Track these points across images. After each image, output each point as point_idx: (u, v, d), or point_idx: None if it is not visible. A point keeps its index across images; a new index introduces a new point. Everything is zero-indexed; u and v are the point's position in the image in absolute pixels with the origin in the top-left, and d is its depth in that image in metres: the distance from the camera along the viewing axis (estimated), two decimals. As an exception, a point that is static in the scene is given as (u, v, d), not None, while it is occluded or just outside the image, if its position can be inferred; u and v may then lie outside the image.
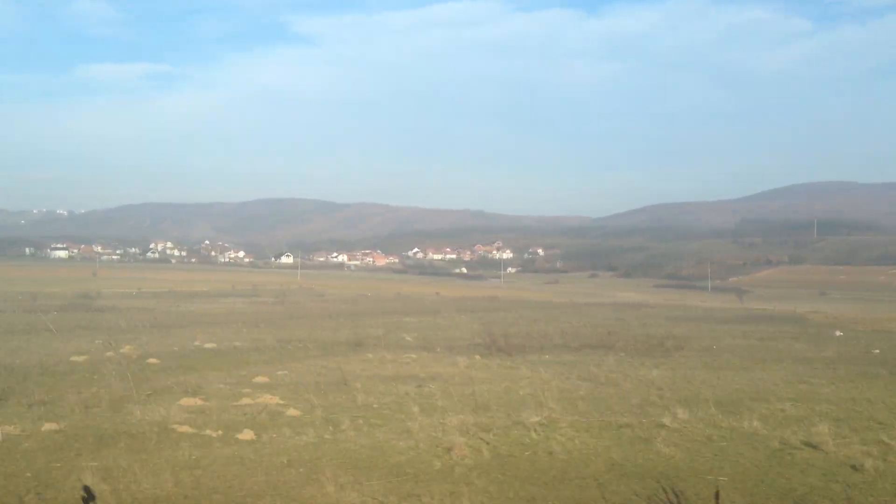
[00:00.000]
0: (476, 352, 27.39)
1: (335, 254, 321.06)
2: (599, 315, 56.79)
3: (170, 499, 9.19)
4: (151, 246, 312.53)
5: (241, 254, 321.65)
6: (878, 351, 29.84)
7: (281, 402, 16.45)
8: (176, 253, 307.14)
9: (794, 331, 41.34)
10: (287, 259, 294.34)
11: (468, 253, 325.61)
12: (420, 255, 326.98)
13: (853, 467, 10.71)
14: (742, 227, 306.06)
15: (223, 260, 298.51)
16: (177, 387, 18.67)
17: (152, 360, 23.85)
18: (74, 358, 24.00)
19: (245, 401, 16.55)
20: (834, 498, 9.31)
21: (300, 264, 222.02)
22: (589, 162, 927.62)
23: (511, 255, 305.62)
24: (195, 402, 16.45)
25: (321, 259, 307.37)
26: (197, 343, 30.03)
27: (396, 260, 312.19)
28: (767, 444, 12.07)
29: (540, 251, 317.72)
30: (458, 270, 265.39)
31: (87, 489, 7.88)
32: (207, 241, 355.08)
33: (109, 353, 26.04)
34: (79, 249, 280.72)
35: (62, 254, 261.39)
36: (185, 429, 13.11)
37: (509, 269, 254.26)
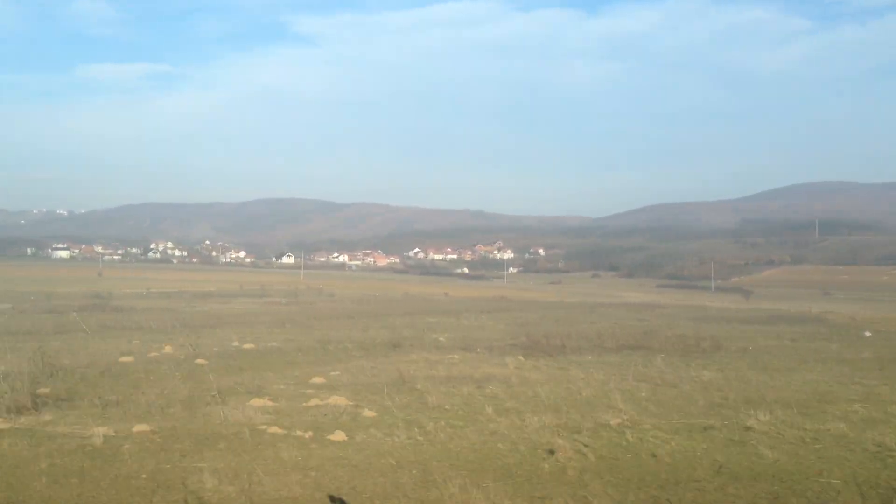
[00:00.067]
0: (517, 352, 27.40)
1: (336, 254, 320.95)
2: (617, 315, 56.85)
3: (298, 500, 9.23)
4: (152, 246, 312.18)
5: (242, 254, 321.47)
6: (913, 351, 29.94)
7: (350, 403, 16.48)
8: (177, 253, 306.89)
9: (820, 331, 41.43)
10: (288, 259, 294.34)
11: (469, 253, 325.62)
12: (421, 255, 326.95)
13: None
14: (743, 227, 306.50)
15: (224, 260, 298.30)
16: (239, 387, 18.70)
17: (200, 361, 23.86)
18: (123, 359, 24.02)
19: (314, 402, 16.57)
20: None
21: (303, 264, 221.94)
22: (589, 162, 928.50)
23: (512, 255, 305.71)
24: (265, 402, 16.48)
25: (322, 259, 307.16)
26: (235, 344, 30.04)
27: (397, 260, 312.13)
28: (863, 447, 12.12)
29: (541, 251, 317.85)
30: (459, 270, 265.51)
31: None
32: (208, 242, 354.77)
33: (153, 354, 26.07)
34: (80, 249, 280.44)
35: (63, 254, 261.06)
36: (275, 430, 13.14)
37: (511, 270, 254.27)
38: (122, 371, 21.74)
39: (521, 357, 25.69)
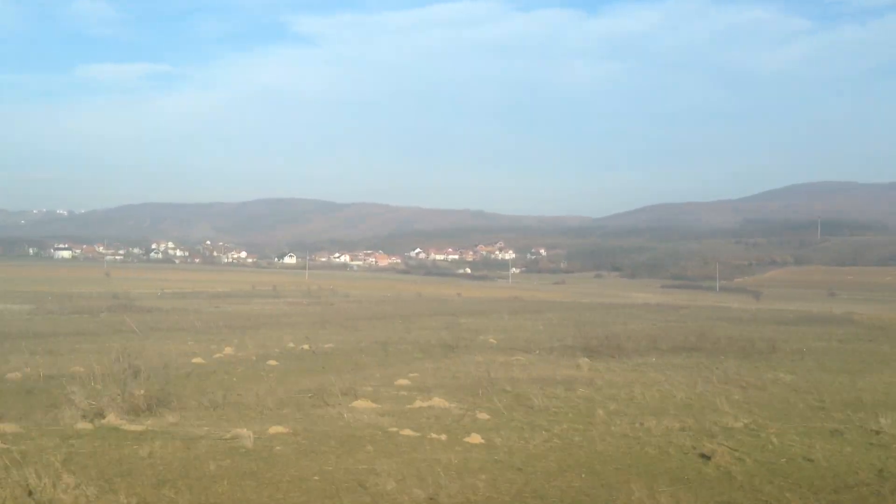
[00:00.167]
0: (577, 354, 27.44)
1: (337, 254, 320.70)
2: (642, 316, 56.97)
3: (492, 502, 9.25)
4: (153, 246, 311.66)
5: (243, 254, 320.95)
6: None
7: (453, 405, 16.49)
8: (178, 253, 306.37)
9: (859, 333, 41.56)
10: (290, 259, 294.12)
11: (470, 253, 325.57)
12: (422, 255, 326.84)
13: None
14: (744, 228, 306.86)
15: (226, 260, 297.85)
16: (329, 389, 18.69)
17: (272, 362, 23.89)
18: (195, 360, 24.03)
19: (418, 404, 16.58)
20: None
21: (307, 265, 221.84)
22: (589, 162, 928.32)
23: (513, 255, 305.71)
24: (369, 404, 16.47)
25: (323, 259, 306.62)
26: (290, 345, 30.07)
27: (399, 260, 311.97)
28: None
29: (542, 251, 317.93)
30: (461, 271, 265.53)
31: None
32: (208, 242, 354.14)
33: (218, 356, 26.07)
34: (81, 249, 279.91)
35: (66, 254, 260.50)
36: (408, 432, 13.13)
37: (513, 270, 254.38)
38: (202, 372, 21.75)
39: (585, 359, 25.69)
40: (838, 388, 19.59)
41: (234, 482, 9.88)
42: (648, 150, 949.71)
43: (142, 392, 17.23)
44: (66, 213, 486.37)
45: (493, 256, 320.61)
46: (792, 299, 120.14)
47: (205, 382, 19.67)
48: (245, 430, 12.89)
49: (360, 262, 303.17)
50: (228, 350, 27.48)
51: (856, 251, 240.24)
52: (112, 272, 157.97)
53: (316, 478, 10.22)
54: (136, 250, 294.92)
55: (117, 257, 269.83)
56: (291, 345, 29.91)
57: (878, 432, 13.36)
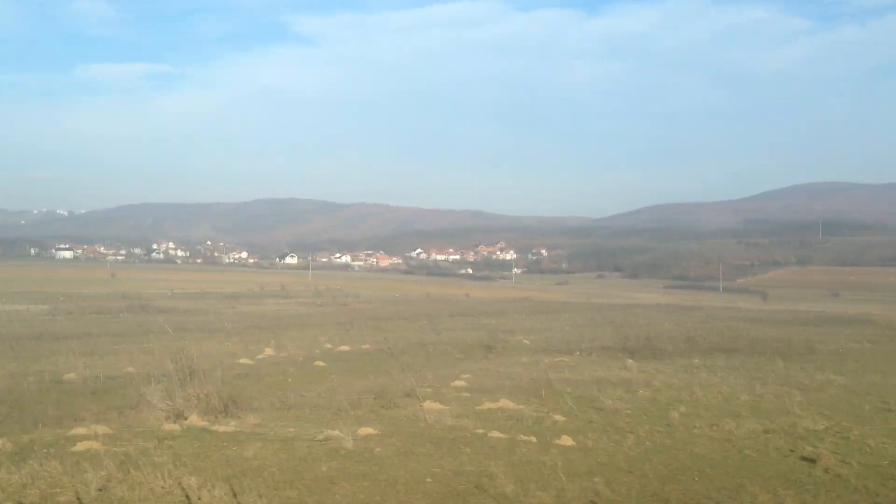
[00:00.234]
0: (618, 355, 27.48)
1: (338, 254, 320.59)
2: (660, 317, 57.00)
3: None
4: (154, 246, 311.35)
5: (244, 254, 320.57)
6: None
7: (522, 406, 16.51)
8: (179, 253, 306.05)
9: (886, 334, 41.64)
10: (291, 260, 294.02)
11: (471, 253, 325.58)
12: (423, 255, 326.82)
13: None
14: (745, 228, 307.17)
15: (227, 260, 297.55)
16: (391, 388, 18.74)
17: (319, 363, 23.91)
18: (242, 360, 24.05)
19: (487, 405, 16.59)
20: None
21: (310, 265, 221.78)
22: (589, 162, 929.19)
23: (514, 255, 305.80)
24: (438, 406, 16.48)
25: (324, 259, 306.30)
26: (328, 346, 30.09)
27: (400, 261, 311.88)
28: None
29: (543, 252, 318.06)
30: (463, 271, 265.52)
31: None
32: (209, 242, 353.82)
33: (261, 356, 26.09)
34: (82, 250, 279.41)
35: (67, 254, 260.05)
36: (496, 434, 13.15)
37: (514, 270, 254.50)
38: (253, 373, 21.77)
39: (630, 360, 25.71)
40: (893, 390, 19.65)
41: (352, 484, 9.90)
42: (648, 150, 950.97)
43: (216, 393, 17.21)
44: (66, 213, 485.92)
45: (494, 257, 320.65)
46: (798, 300, 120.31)
47: (262, 383, 19.69)
48: (337, 431, 12.93)
49: (361, 263, 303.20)
50: (269, 351, 27.49)
51: (857, 251, 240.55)
52: (116, 272, 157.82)
53: (429, 480, 10.24)
54: (137, 250, 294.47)
55: (119, 257, 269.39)
56: (329, 346, 29.93)
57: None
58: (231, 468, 10.49)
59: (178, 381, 19.38)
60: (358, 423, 13.88)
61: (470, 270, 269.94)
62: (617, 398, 17.68)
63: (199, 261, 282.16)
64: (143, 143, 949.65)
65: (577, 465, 11.07)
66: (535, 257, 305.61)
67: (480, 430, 13.48)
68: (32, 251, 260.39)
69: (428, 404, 16.70)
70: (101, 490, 9.33)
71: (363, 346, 29.87)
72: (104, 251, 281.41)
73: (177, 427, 13.61)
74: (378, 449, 11.86)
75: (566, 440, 12.78)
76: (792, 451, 12.04)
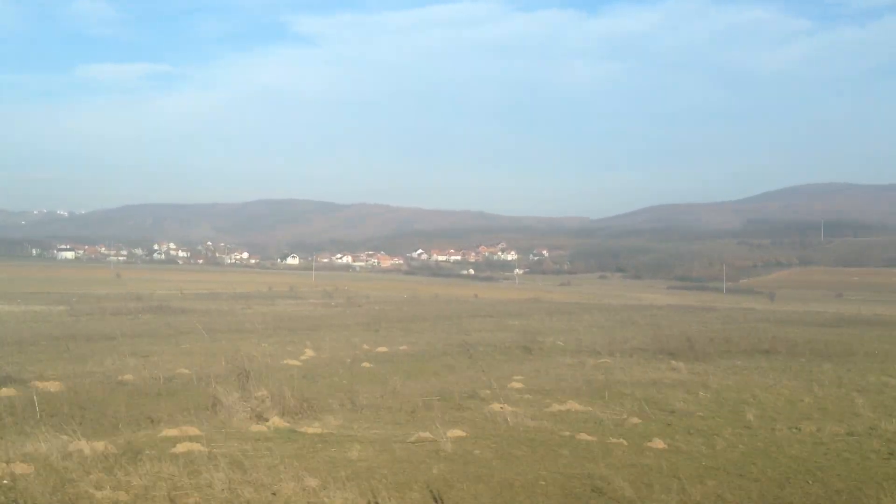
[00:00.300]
0: (660, 356, 27.49)
1: (339, 255, 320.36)
2: (679, 318, 57.02)
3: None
4: (155, 247, 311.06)
5: (245, 254, 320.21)
6: None
7: (590, 408, 16.52)
8: (180, 254, 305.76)
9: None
10: (293, 260, 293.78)
11: (472, 254, 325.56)
12: (424, 256, 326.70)
13: None
14: (747, 228, 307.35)
15: (228, 261, 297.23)
16: (451, 390, 18.76)
17: (366, 364, 23.91)
18: (289, 361, 24.05)
19: (556, 407, 16.59)
20: None
21: (314, 266, 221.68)
22: (589, 162, 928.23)
23: (515, 256, 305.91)
24: (508, 408, 16.47)
25: (325, 260, 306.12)
26: (365, 347, 30.07)
27: (401, 261, 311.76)
28: None
29: (544, 252, 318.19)
30: (465, 272, 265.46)
31: None
32: (209, 242, 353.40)
33: (303, 357, 26.07)
34: (84, 250, 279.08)
35: (69, 255, 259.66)
36: (584, 436, 13.16)
37: (516, 271, 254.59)
38: (305, 374, 21.73)
39: (678, 362, 25.71)
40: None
41: (470, 486, 9.89)
42: (648, 150, 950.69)
43: (291, 395, 17.14)
44: (66, 213, 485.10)
45: (495, 257, 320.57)
46: (804, 301, 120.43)
47: (319, 385, 19.67)
48: (428, 433, 12.94)
49: (362, 263, 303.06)
50: (309, 352, 27.48)
51: (859, 252, 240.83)
52: (121, 273, 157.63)
53: (542, 482, 10.24)
54: (138, 251, 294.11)
55: (120, 258, 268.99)
56: (366, 347, 29.91)
57: None
58: (342, 470, 10.46)
59: (238, 382, 19.42)
60: (442, 425, 13.87)
61: (472, 271, 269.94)
62: (681, 400, 17.69)
63: (200, 261, 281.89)
64: (143, 143, 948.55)
65: (682, 468, 11.06)
66: (536, 258, 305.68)
67: (567, 433, 13.49)
68: (34, 252, 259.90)
69: (496, 406, 16.72)
70: (226, 491, 9.32)
71: (400, 348, 29.84)
72: (105, 252, 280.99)
73: (263, 428, 13.61)
74: (476, 451, 11.86)
75: (658, 443, 12.78)
76: (891, 454, 12.05)
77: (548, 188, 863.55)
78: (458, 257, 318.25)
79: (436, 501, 9.17)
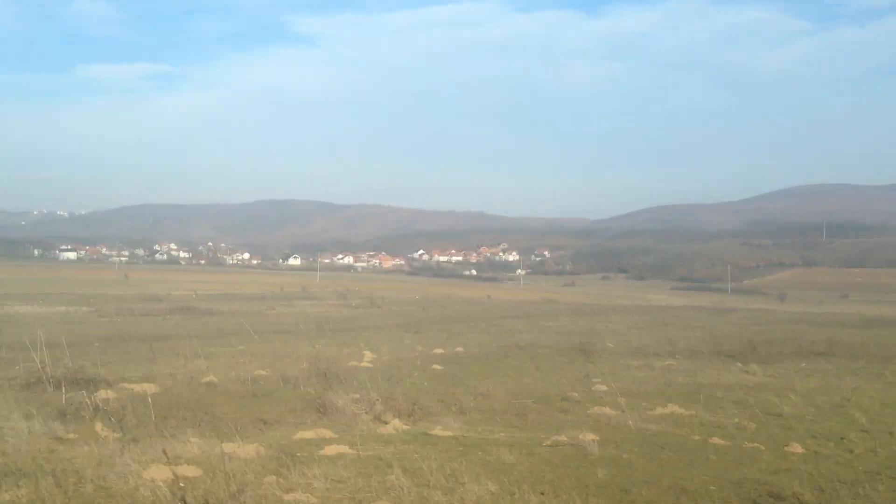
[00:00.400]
0: (723, 359, 27.46)
1: (340, 255, 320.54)
2: (705, 319, 57.07)
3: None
4: (157, 247, 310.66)
5: (247, 255, 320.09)
6: None
7: (692, 412, 16.46)
8: (181, 254, 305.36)
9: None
10: (295, 261, 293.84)
11: (474, 255, 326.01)
12: (425, 256, 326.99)
13: None
14: (749, 229, 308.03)
15: (230, 262, 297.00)
16: (540, 393, 18.71)
17: (436, 366, 23.83)
18: (352, 363, 23.99)
19: (660, 410, 16.51)
20: None
21: (318, 266, 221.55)
22: (589, 162, 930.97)
23: (517, 256, 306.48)
24: (609, 410, 16.43)
25: (326, 261, 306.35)
26: (420, 349, 30.01)
27: (402, 262, 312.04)
28: None
29: (546, 253, 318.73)
30: (467, 272, 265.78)
31: None
32: (210, 243, 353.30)
33: (368, 360, 25.99)
34: (85, 251, 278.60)
35: (71, 255, 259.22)
36: (717, 440, 13.10)
37: (518, 271, 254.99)
38: (381, 375, 21.62)
39: (739, 364, 25.70)
40: None
41: (645, 491, 9.81)
42: (648, 150, 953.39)
43: (401, 397, 17.00)
44: (66, 214, 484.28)
45: (496, 258, 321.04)
46: (812, 302, 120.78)
47: (401, 387, 19.55)
48: (563, 436, 12.89)
49: (363, 264, 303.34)
50: (369, 354, 27.39)
51: (862, 253, 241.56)
52: (127, 274, 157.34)
53: (713, 488, 10.17)
54: (139, 251, 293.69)
55: (122, 258, 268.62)
56: (420, 349, 29.86)
57: None
58: (506, 474, 10.39)
59: (325, 384, 19.37)
60: (570, 428, 13.83)
61: (474, 272, 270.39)
62: (774, 403, 17.61)
63: (202, 262, 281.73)
64: (143, 143, 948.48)
65: (841, 473, 11.00)
66: (538, 258, 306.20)
67: (697, 437, 13.42)
68: (36, 252, 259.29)
69: (597, 408, 16.67)
70: (413, 494, 9.25)
71: (456, 350, 29.76)
72: (107, 252, 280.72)
73: (390, 430, 13.52)
74: (625, 455, 11.80)
75: (796, 447, 12.69)
76: None
77: (547, 188, 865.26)
78: (460, 258, 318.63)
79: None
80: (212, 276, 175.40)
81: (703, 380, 21.70)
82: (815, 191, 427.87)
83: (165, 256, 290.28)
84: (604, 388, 20.27)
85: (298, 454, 11.30)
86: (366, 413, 14.89)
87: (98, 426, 13.19)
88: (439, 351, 28.97)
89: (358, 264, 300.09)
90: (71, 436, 12.50)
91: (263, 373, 21.45)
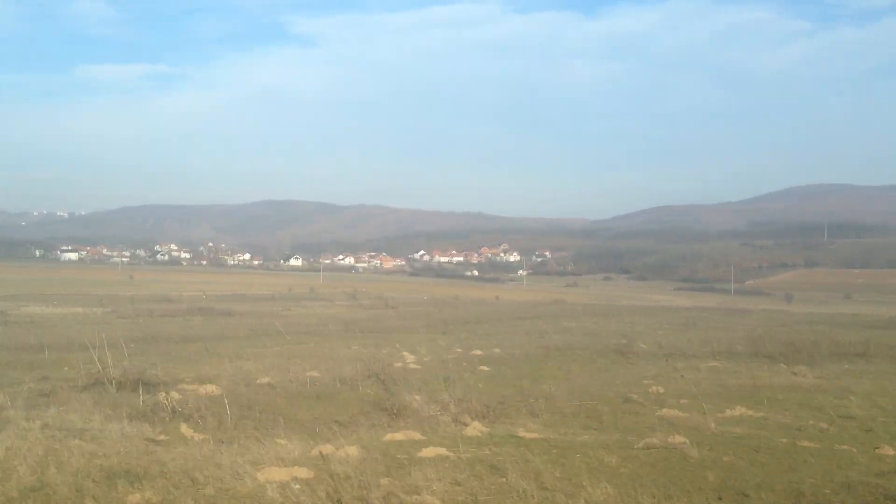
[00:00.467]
0: (762, 360, 27.40)
1: (341, 256, 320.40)
2: (725, 320, 57.05)
3: None
4: (157, 248, 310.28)
5: (247, 256, 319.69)
6: None
7: (762, 413, 16.40)
8: (183, 255, 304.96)
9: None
10: (296, 262, 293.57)
11: (475, 255, 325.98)
12: (426, 257, 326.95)
13: None
14: (750, 230, 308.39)
15: (231, 262, 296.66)
16: (599, 395, 18.65)
17: (483, 367, 23.78)
18: (398, 364, 23.96)
19: (728, 413, 16.44)
20: None
21: (322, 267, 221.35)
22: (589, 162, 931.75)
23: (518, 257, 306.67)
24: (678, 413, 16.37)
25: (327, 261, 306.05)
26: (458, 349, 29.95)
27: (403, 262, 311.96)
28: None
29: (547, 253, 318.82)
30: (469, 273, 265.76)
31: None
32: (210, 243, 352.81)
33: (410, 361, 25.94)
34: (86, 251, 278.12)
35: (72, 256, 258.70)
36: (806, 443, 13.04)
37: (520, 272, 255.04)
38: (433, 376, 21.56)
39: (783, 365, 25.62)
40: None
41: (763, 495, 9.76)
42: (648, 150, 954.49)
43: (474, 398, 16.86)
44: (66, 214, 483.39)
45: (497, 258, 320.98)
46: (818, 302, 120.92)
47: (457, 388, 19.47)
48: (655, 439, 12.82)
49: (364, 265, 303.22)
50: (409, 355, 27.34)
51: (864, 254, 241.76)
52: (131, 275, 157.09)
53: (827, 491, 10.08)
54: (140, 252, 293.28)
55: (123, 259, 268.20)
56: (459, 350, 29.79)
57: None
58: (616, 477, 10.32)
59: (383, 385, 19.30)
60: (645, 430, 13.76)
61: (475, 272, 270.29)
62: (833, 405, 17.56)
63: (204, 262, 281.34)
64: (143, 143, 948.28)
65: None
66: (539, 259, 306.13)
67: (784, 439, 13.36)
68: (37, 253, 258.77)
69: (666, 411, 16.60)
70: (536, 497, 9.19)
71: (494, 351, 29.68)
72: (108, 253, 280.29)
73: (475, 433, 13.44)
74: (724, 458, 11.74)
75: (887, 450, 12.63)
76: None
77: (547, 188, 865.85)
78: (461, 258, 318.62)
79: None
80: (215, 276, 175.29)
81: (757, 381, 21.62)
82: (815, 191, 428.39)
83: (167, 257, 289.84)
84: (660, 389, 20.20)
85: (398, 456, 11.24)
86: (440, 414, 14.82)
87: (183, 427, 13.13)
88: (477, 352, 28.88)
89: (359, 265, 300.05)
90: (161, 437, 12.42)
91: (315, 374, 21.36)
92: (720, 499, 9.60)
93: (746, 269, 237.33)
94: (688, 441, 12.93)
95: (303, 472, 10.04)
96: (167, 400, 14.08)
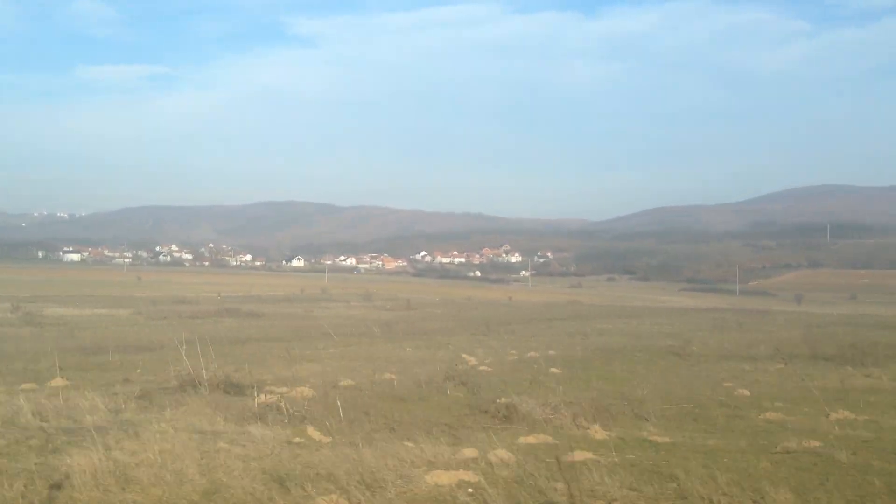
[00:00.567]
0: (822, 362, 27.30)
1: (342, 257, 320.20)
2: (757, 321, 56.89)
3: None
4: (159, 249, 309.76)
5: (249, 257, 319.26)
6: None
7: (867, 418, 16.27)
8: (184, 256, 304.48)
9: None
10: (298, 262, 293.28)
11: (476, 256, 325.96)
12: (428, 258, 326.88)
13: None
14: (752, 230, 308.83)
15: (234, 263, 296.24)
16: (685, 396, 18.52)
17: (554, 370, 23.62)
18: (481, 368, 23.82)
19: (833, 416, 16.29)
20: None
21: (326, 269, 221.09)
22: (589, 162, 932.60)
23: (520, 258, 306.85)
24: (781, 416, 16.24)
25: (329, 262, 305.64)
26: (513, 352, 29.81)
27: (405, 263, 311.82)
28: None
29: (549, 254, 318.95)
30: (471, 274, 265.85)
31: None
32: (211, 244, 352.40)
33: (474, 362, 25.78)
34: (88, 252, 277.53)
35: (74, 257, 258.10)
36: (940, 446, 12.94)
37: (523, 273, 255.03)
38: (511, 379, 21.46)
39: (849, 367, 25.50)
40: None
41: None
42: (648, 151, 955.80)
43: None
44: (66, 215, 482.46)
45: (499, 259, 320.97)
46: (823, 303, 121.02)
47: (541, 390, 19.33)
48: (791, 443, 12.67)
49: (366, 265, 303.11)
50: (469, 358, 27.17)
51: (866, 254, 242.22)
52: (138, 276, 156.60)
53: None
54: (142, 253, 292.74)
55: (125, 260, 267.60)
56: (514, 352, 29.65)
57: None
58: (785, 483, 10.16)
59: (467, 388, 19.15)
60: (766, 434, 13.64)
61: (478, 273, 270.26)
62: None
63: (206, 263, 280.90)
64: (143, 144, 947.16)
65: None
66: (541, 260, 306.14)
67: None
68: (39, 254, 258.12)
69: (769, 414, 16.47)
70: (707, 501, 9.05)
71: (549, 353, 29.48)
72: (109, 254, 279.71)
73: (602, 436, 13.26)
74: (874, 462, 11.58)
75: None
76: None
77: (547, 189, 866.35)
78: (462, 259, 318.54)
79: None
80: (219, 277, 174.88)
81: (837, 384, 21.49)
82: (816, 192, 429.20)
83: (168, 258, 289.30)
84: (746, 392, 20.05)
85: (546, 460, 11.06)
86: (553, 417, 14.66)
87: (310, 429, 12.96)
88: (533, 354, 28.74)
89: (361, 266, 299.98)
90: (297, 439, 12.25)
91: (391, 377, 21.19)
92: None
93: (749, 269, 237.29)
94: (822, 444, 12.80)
95: (469, 476, 9.87)
96: (282, 402, 13.90)
